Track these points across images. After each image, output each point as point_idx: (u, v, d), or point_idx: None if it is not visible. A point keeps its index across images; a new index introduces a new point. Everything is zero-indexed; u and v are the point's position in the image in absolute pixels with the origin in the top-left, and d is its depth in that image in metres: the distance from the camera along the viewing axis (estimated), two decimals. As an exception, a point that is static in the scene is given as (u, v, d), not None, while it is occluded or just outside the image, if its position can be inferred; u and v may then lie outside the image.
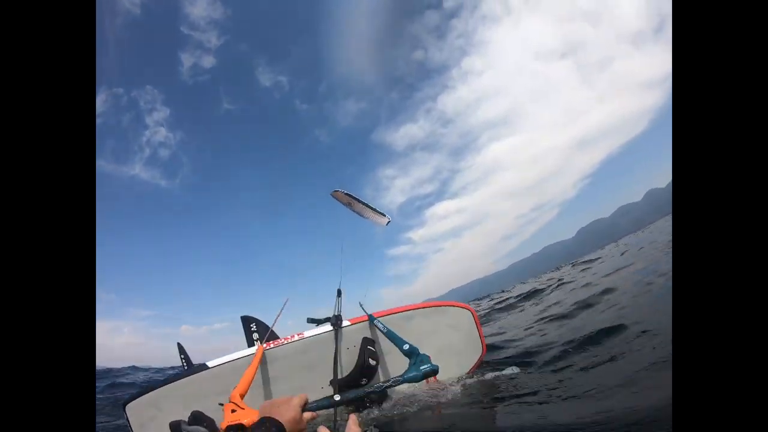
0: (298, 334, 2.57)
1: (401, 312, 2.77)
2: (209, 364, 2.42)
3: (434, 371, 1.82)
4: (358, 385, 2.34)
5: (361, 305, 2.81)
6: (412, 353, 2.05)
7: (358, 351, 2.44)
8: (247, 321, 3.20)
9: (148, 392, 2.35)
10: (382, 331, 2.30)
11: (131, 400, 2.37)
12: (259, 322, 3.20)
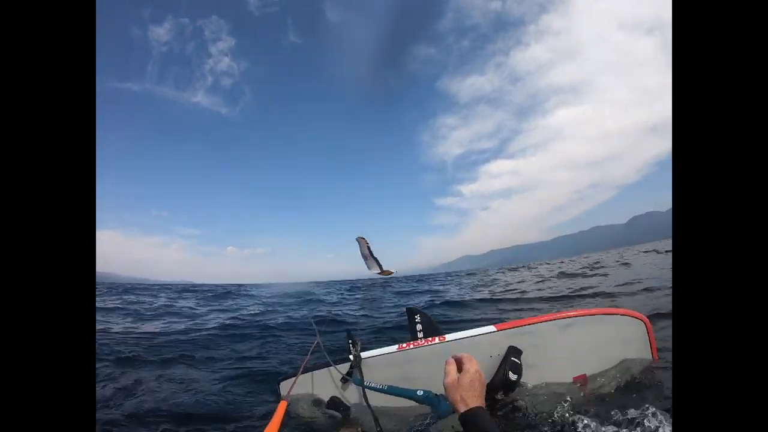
0: (440, 338, 2.49)
1: (555, 319, 2.26)
2: (363, 355, 2.56)
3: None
4: (494, 397, 2.10)
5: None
6: (427, 398, 1.87)
7: (500, 361, 2.17)
8: (411, 313, 3.02)
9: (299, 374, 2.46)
10: (379, 390, 2.09)
11: (284, 379, 2.55)
12: (423, 314, 3.08)
